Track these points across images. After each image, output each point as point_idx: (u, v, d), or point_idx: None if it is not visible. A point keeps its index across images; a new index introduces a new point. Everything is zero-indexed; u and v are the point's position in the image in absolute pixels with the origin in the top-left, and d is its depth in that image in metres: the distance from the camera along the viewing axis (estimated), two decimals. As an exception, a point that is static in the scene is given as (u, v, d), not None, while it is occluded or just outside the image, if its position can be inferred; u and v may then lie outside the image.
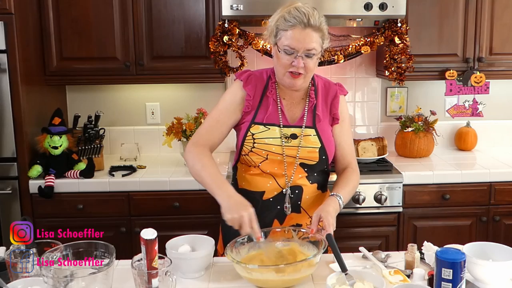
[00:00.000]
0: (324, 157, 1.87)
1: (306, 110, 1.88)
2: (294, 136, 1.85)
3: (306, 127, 1.86)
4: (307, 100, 1.90)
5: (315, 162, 1.86)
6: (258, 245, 1.67)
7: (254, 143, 1.84)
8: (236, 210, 1.65)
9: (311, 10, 1.74)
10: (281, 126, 1.85)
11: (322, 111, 1.90)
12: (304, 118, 1.87)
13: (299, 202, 1.88)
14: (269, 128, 1.85)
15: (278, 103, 1.88)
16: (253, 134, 1.85)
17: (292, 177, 1.85)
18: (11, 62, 2.64)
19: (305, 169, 1.87)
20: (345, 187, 1.86)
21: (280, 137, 1.84)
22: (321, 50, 1.80)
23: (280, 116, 1.87)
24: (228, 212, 1.67)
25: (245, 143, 1.86)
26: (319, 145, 1.85)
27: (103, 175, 2.87)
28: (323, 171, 1.92)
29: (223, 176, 1.83)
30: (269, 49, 2.86)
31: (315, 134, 1.86)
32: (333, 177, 1.99)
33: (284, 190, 1.86)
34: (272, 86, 1.89)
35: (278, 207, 1.87)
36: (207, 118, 1.95)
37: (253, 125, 1.86)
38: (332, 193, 1.82)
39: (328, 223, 1.67)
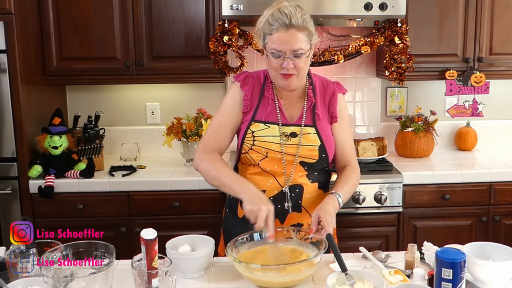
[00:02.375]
0: (324, 155, 1.87)
1: (305, 109, 1.89)
2: (293, 135, 1.85)
3: (305, 125, 1.86)
4: (305, 98, 1.91)
5: (315, 161, 1.87)
6: (263, 241, 1.67)
7: (254, 140, 1.85)
8: (257, 203, 1.66)
9: (293, 10, 1.74)
10: (280, 124, 1.86)
11: (321, 110, 1.91)
12: (303, 117, 1.88)
13: (299, 201, 1.88)
14: (269, 126, 1.85)
15: (276, 102, 1.89)
16: (253, 132, 1.85)
17: (292, 176, 1.86)
18: (11, 62, 2.64)
19: (305, 168, 1.87)
20: (344, 186, 1.86)
21: (280, 135, 1.84)
22: (309, 48, 1.79)
23: (279, 115, 1.87)
24: (248, 203, 1.68)
25: (245, 141, 1.86)
26: (319, 143, 1.86)
27: (103, 175, 2.87)
28: (324, 170, 1.93)
29: (242, 177, 1.84)
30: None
31: (315, 132, 1.86)
32: (334, 177, 1.98)
33: (284, 188, 1.86)
34: (269, 86, 1.91)
35: (279, 206, 1.87)
36: (210, 124, 1.96)
37: (253, 123, 1.86)
38: (332, 192, 1.82)
39: (327, 222, 1.67)
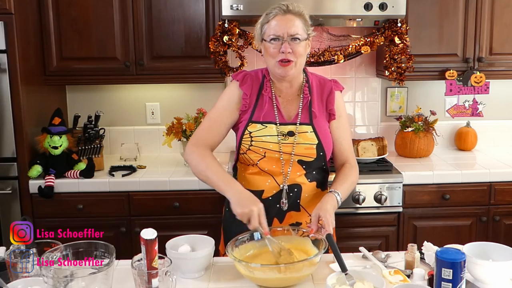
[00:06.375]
0: (321, 153, 1.87)
1: (300, 107, 1.90)
2: (291, 134, 1.86)
3: (302, 124, 1.87)
4: (301, 96, 1.91)
5: (313, 159, 1.87)
6: (264, 240, 1.68)
7: (252, 141, 1.85)
8: (246, 205, 1.66)
9: (291, 1, 1.82)
10: (278, 123, 1.86)
11: (318, 108, 1.91)
12: (299, 115, 1.88)
13: (298, 200, 1.89)
14: (266, 126, 1.86)
15: (274, 100, 1.89)
16: (250, 133, 1.86)
17: (289, 174, 1.86)
18: (11, 62, 2.64)
19: (303, 166, 1.87)
20: (343, 184, 1.87)
21: (277, 135, 1.85)
22: (306, 38, 1.82)
23: (276, 114, 1.88)
24: (238, 206, 1.68)
25: (243, 142, 1.87)
26: (316, 142, 1.86)
27: (103, 175, 2.87)
28: (322, 168, 1.93)
29: (229, 174, 1.84)
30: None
31: (312, 130, 1.87)
32: (333, 176, 1.98)
33: (281, 185, 1.86)
34: (267, 85, 1.92)
35: (278, 205, 1.88)
36: (205, 119, 1.97)
37: (250, 123, 1.87)
38: (330, 190, 1.83)
39: (327, 222, 1.68)
